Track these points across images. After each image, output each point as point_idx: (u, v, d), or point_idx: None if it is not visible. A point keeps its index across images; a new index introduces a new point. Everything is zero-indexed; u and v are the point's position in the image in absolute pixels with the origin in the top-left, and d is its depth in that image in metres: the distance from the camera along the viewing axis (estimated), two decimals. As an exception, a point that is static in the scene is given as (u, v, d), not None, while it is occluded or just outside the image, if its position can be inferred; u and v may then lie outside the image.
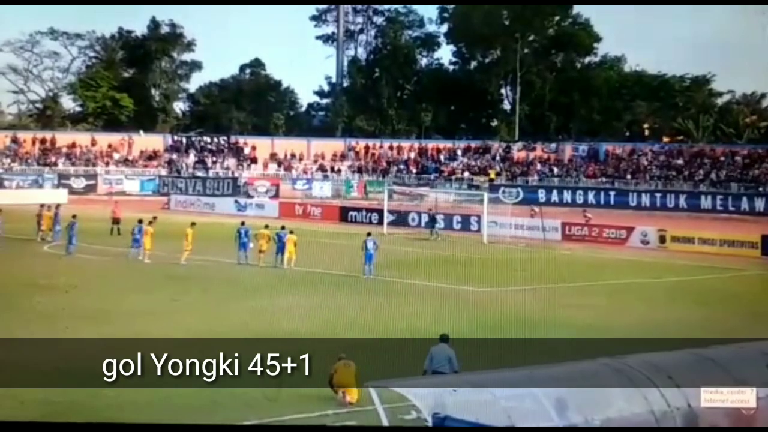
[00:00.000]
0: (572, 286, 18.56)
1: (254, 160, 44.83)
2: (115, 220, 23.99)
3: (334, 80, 55.21)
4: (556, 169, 43.54)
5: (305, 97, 59.47)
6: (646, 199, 38.76)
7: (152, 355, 11.71)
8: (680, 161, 42.00)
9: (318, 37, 55.14)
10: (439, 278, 18.55)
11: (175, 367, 11.25)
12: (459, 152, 46.61)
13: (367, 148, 47.11)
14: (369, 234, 19.34)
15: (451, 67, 55.66)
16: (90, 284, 16.95)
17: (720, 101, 50.87)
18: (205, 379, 10.75)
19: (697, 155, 42.31)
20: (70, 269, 18.79)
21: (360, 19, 55.13)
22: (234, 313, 14.73)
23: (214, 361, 11.61)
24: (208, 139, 46.28)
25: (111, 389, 10.13)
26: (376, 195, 36.67)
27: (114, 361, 11.25)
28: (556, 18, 52.65)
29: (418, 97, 53.60)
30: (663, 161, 42.51)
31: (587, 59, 54.48)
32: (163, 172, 42.45)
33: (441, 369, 8.80)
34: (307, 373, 9.84)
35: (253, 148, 45.68)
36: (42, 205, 24.68)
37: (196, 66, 54.56)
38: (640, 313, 15.50)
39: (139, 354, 11.71)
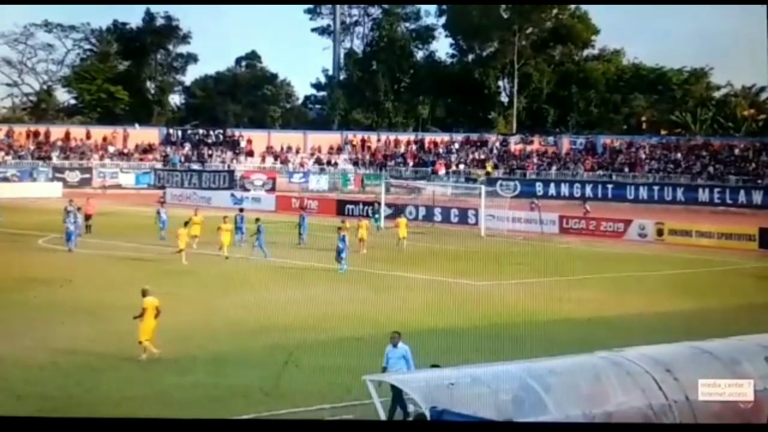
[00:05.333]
0: (570, 279, 18.55)
1: (250, 154, 44.66)
2: (87, 217, 23.22)
3: (330, 73, 55.04)
4: (554, 165, 43.47)
5: (302, 89, 59.35)
6: (643, 192, 38.76)
7: (148, 351, 11.68)
8: (678, 154, 41.99)
9: (314, 30, 54.94)
10: (436, 272, 18.52)
11: (171, 362, 11.23)
12: (456, 145, 46.53)
13: (363, 141, 46.96)
14: (339, 228, 19.31)
15: (449, 60, 55.55)
16: (85, 279, 16.86)
17: (718, 94, 50.85)
18: (202, 374, 10.73)
19: (694, 148, 42.30)
20: (65, 263, 18.69)
21: (356, 12, 54.87)
22: (229, 307, 14.67)
23: (210, 356, 11.59)
24: (204, 132, 46.06)
25: (108, 384, 10.09)
26: (374, 188, 36.57)
27: (111, 357, 11.22)
28: (555, 11, 52.46)
29: (415, 89, 53.41)
30: (661, 154, 42.50)
31: (585, 52, 54.38)
32: (159, 165, 42.25)
33: (394, 369, 8.70)
34: (303, 367, 9.80)
35: (249, 141, 45.48)
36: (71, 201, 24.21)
37: (191, 58, 54.31)
38: (637, 307, 15.49)
39: (135, 348, 11.68)
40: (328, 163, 44.65)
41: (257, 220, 20.55)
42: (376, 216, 26.90)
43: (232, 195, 35.75)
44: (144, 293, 11.37)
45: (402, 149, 46.36)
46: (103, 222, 24.49)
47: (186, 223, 19.89)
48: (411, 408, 7.81)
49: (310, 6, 53.60)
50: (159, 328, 13.00)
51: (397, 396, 8.46)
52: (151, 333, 11.16)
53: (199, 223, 20.85)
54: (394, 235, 22.78)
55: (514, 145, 46.33)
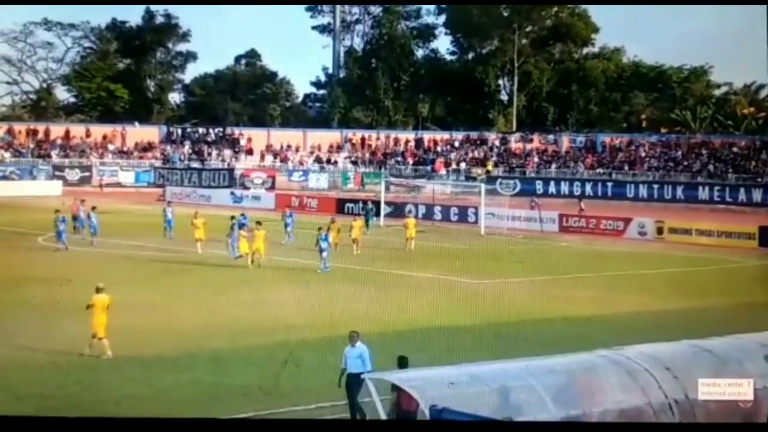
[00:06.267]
0: (569, 277, 18.54)
1: (250, 152, 44.64)
2: (75, 217, 22.90)
3: (330, 71, 54.97)
4: (553, 163, 43.42)
5: (301, 88, 59.23)
6: (643, 191, 38.74)
7: (148, 349, 11.67)
8: (678, 152, 41.97)
9: (314, 27, 54.91)
10: (436, 270, 18.51)
11: (171, 361, 11.22)
12: (456, 143, 46.51)
13: (363, 139, 46.94)
14: (320, 229, 18.80)
15: (449, 58, 55.51)
16: (85, 278, 16.81)
17: (718, 92, 50.83)
18: (201, 372, 10.72)
19: (694, 146, 42.27)
20: (64, 262, 18.67)
21: (356, 10, 54.79)
22: (229, 306, 14.66)
23: (210, 355, 11.58)
24: (204, 131, 46.04)
25: (107, 383, 10.08)
26: (373, 186, 36.53)
27: (110, 355, 11.22)
28: (554, 9, 52.40)
29: (415, 88, 53.38)
30: (660, 152, 42.48)
31: (585, 50, 54.34)
32: (159, 163, 42.23)
33: (353, 370, 8.64)
34: (303, 366, 9.78)
35: (249, 139, 45.46)
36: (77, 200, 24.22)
37: (191, 57, 54.28)
38: (637, 305, 15.48)
39: (134, 347, 11.68)
40: (328, 161, 44.63)
41: (232, 218, 20.14)
42: (369, 216, 26.62)
43: (232, 193, 35.74)
44: (97, 290, 11.37)
45: (402, 147, 46.35)
46: (103, 220, 24.41)
47: (258, 222, 18.81)
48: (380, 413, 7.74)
49: (311, 4, 53.58)
50: (159, 326, 12.98)
51: (347, 388, 8.52)
52: (102, 330, 11.14)
53: (200, 227, 20.23)
54: (402, 234, 22.37)
55: (514, 143, 46.31)
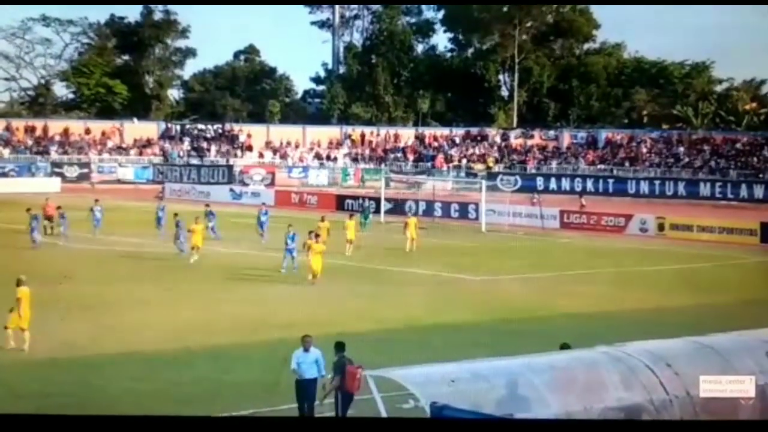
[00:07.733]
0: (571, 274, 18.51)
1: (249, 148, 44.57)
2: (48, 218, 22.57)
3: (330, 66, 54.85)
4: (554, 159, 43.33)
5: (301, 83, 59.08)
6: (644, 187, 38.70)
7: (148, 346, 11.66)
8: (680, 149, 41.89)
9: (313, 23, 54.76)
10: (437, 267, 18.47)
11: (171, 358, 11.21)
12: (457, 139, 46.43)
13: (363, 135, 46.86)
14: (290, 226, 18.16)
15: (449, 54, 55.35)
16: (85, 274, 16.81)
17: (719, 88, 50.73)
18: (202, 370, 10.71)
19: (696, 142, 42.19)
20: (64, 259, 18.64)
21: (355, 5, 54.63)
22: (229, 303, 14.63)
23: (210, 353, 11.57)
24: (203, 127, 45.97)
25: (107, 381, 10.07)
26: (373, 183, 36.47)
27: (110, 353, 11.20)
28: (555, 5, 52.29)
29: (415, 83, 53.28)
30: (662, 148, 42.39)
31: (586, 46, 54.24)
32: (158, 160, 42.17)
33: (308, 375, 8.56)
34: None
35: (249, 135, 45.40)
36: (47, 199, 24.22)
37: (190, 53, 54.15)
38: (638, 301, 15.45)
39: (135, 345, 11.66)
40: (328, 158, 44.56)
41: (176, 215, 19.87)
42: (367, 213, 26.39)
43: (231, 190, 35.72)
44: (18, 282, 11.31)
45: (402, 144, 46.27)
46: (104, 217, 24.39)
47: (313, 233, 16.79)
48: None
49: (309, -1, 53.38)
50: (159, 323, 12.96)
51: (302, 394, 8.52)
52: (27, 323, 11.10)
53: (199, 232, 19.41)
54: (402, 231, 21.89)
55: (515, 139, 46.23)
